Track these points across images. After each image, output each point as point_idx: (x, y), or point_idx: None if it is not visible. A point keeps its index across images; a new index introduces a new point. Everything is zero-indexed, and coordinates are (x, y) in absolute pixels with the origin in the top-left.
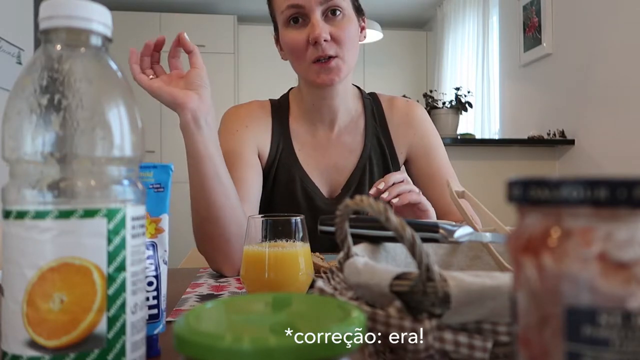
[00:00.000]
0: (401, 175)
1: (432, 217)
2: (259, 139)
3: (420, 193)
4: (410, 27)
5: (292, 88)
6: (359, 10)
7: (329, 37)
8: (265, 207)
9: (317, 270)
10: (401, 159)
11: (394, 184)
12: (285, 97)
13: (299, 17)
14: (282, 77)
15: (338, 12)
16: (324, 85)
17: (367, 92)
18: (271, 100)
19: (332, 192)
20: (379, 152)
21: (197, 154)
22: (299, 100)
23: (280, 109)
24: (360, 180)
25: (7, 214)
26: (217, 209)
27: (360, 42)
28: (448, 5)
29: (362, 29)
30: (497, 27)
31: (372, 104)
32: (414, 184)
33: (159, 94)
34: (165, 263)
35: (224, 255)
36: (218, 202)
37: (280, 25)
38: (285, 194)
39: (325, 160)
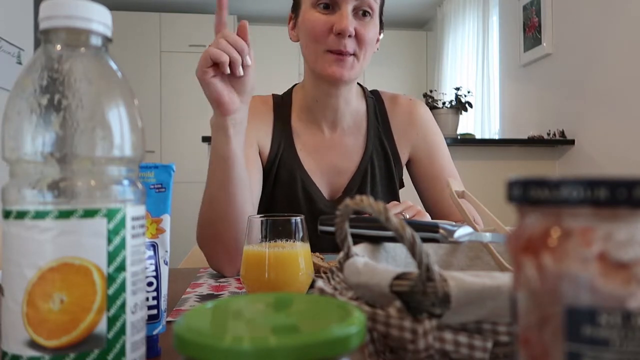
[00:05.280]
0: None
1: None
2: (260, 135)
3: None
4: (410, 27)
5: (296, 84)
6: (380, 22)
7: (353, 33)
8: (266, 207)
9: (317, 270)
10: (403, 159)
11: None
12: (288, 94)
13: (330, 4)
14: (281, 77)
15: (368, 15)
16: (332, 78)
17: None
18: (274, 96)
19: (333, 194)
20: (382, 154)
21: (227, 156)
22: (302, 96)
23: (282, 105)
24: (361, 182)
25: (7, 214)
26: (234, 209)
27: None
28: (448, 5)
29: (377, 40)
30: (497, 27)
31: (374, 103)
32: (415, 184)
33: (207, 87)
34: (166, 263)
35: (229, 256)
36: (237, 203)
37: (306, 4)
38: (286, 194)
39: (327, 162)
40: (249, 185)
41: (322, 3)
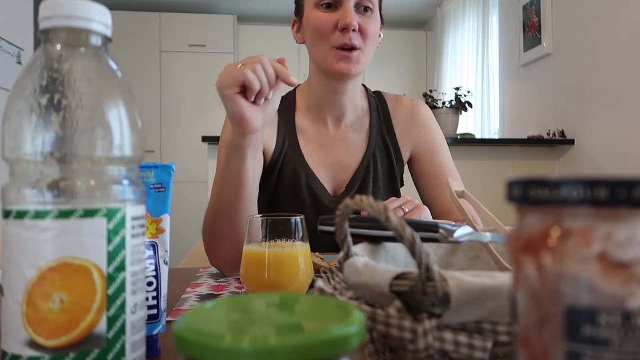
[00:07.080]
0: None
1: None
2: (265, 133)
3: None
4: (410, 27)
5: (299, 85)
6: (381, 19)
7: (357, 27)
8: (270, 203)
9: (317, 270)
10: (405, 157)
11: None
12: (292, 93)
13: (332, 3)
14: None
15: (369, 10)
16: (340, 74)
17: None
18: None
19: (336, 190)
20: (384, 151)
21: (242, 178)
22: (307, 94)
23: (287, 103)
24: (364, 178)
25: (7, 214)
26: (237, 228)
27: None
28: (448, 5)
29: (380, 35)
30: (497, 27)
31: (377, 103)
32: (416, 182)
33: (229, 102)
34: (166, 263)
35: (234, 258)
36: (241, 222)
37: (309, 5)
38: (290, 190)
39: (330, 158)
40: (256, 205)
41: (325, 3)
